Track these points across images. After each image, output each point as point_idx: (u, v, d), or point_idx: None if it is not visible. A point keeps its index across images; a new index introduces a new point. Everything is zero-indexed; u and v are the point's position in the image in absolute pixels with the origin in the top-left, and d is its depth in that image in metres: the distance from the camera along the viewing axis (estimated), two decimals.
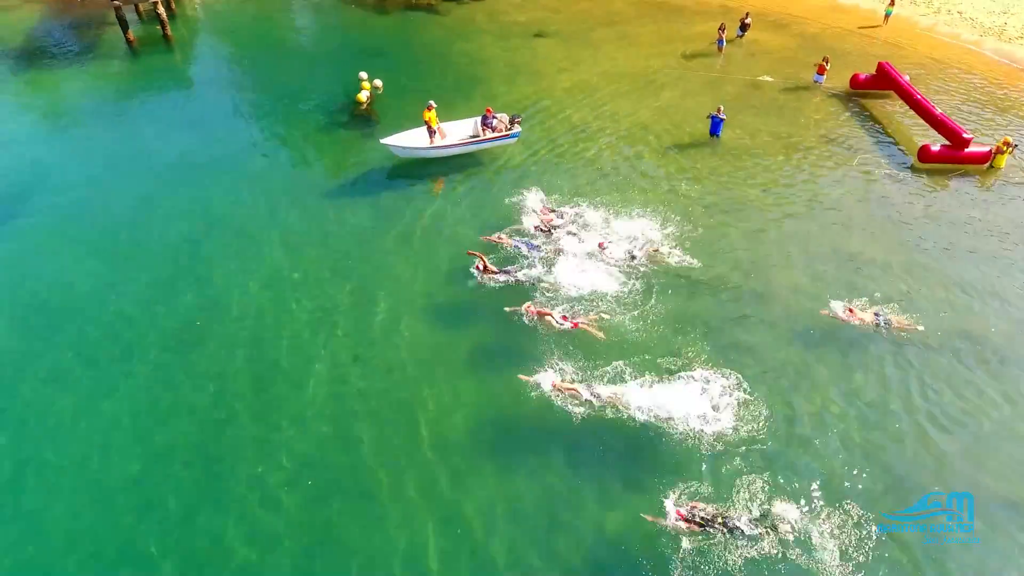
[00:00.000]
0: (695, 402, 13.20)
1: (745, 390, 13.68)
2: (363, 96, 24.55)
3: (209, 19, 33.75)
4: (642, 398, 13.25)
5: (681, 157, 21.99)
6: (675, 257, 17.23)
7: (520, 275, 16.55)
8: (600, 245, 17.15)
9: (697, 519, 11.37)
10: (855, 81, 25.69)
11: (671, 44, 29.91)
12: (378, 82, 25.44)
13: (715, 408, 13.18)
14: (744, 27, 29.89)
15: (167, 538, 11.56)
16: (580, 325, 15.00)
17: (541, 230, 18.02)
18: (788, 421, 13.34)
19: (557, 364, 14.15)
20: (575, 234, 17.76)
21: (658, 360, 14.37)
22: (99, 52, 29.86)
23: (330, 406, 13.77)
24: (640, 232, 17.88)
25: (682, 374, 13.91)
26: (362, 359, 14.82)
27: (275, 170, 21.81)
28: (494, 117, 21.44)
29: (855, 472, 12.46)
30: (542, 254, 17.17)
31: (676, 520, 11.37)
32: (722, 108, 22.40)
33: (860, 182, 20.83)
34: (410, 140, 21.05)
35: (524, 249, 17.37)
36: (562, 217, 18.45)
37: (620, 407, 13.20)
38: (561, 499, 12.17)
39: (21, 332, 15.62)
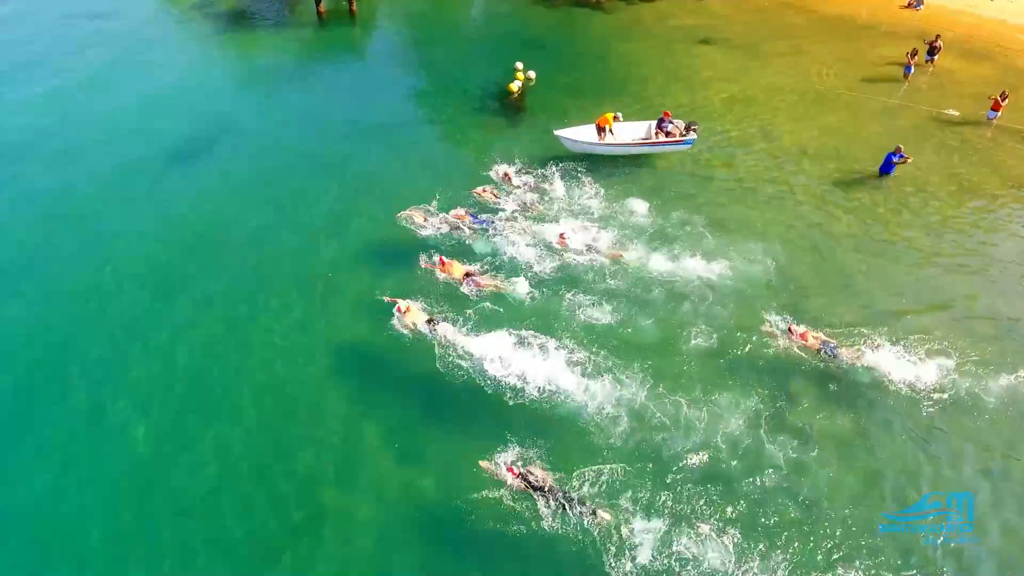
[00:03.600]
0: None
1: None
2: (515, 86, 25.08)
3: None
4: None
5: (837, 186, 20.39)
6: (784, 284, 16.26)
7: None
8: (561, 237, 17.11)
9: (530, 481, 11.61)
10: None
11: (849, 64, 27.70)
12: (531, 73, 25.89)
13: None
14: (933, 50, 27.04)
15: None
16: (485, 286, 15.83)
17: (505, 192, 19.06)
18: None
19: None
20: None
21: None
22: (292, 21, 33.02)
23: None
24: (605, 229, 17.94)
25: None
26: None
27: (423, 143, 23.10)
28: (671, 122, 21.03)
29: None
30: (496, 224, 17.92)
31: (507, 474, 11.80)
32: (902, 148, 20.30)
33: None
34: (583, 135, 21.12)
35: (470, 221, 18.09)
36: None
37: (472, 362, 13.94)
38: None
39: (186, 258, 17.89)
